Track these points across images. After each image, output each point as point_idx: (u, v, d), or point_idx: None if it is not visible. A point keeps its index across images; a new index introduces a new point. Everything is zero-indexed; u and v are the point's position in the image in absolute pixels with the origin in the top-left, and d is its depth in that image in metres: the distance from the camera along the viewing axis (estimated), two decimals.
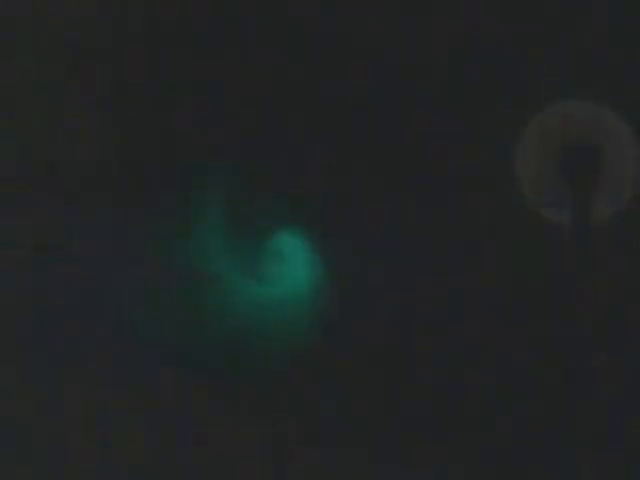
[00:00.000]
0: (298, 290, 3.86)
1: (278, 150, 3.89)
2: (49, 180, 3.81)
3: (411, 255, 3.81)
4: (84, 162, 3.86)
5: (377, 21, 3.90)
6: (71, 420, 3.69)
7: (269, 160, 3.89)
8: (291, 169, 3.88)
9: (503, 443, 3.70)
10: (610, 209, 3.78)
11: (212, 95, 3.90)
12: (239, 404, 3.77)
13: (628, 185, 3.79)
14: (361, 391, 3.77)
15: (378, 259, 3.82)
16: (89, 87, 3.86)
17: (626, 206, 3.78)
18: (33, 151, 3.85)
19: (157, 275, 3.83)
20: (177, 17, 3.89)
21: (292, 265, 3.89)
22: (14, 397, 3.68)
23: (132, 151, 3.87)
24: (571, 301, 3.74)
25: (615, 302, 3.75)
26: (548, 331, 3.75)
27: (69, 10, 3.86)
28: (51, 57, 3.87)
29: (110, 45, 3.89)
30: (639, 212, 3.79)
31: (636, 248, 3.79)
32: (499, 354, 3.75)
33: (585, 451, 3.62)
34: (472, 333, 3.76)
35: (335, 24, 3.91)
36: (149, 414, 3.74)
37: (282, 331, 3.82)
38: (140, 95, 3.89)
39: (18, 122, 3.87)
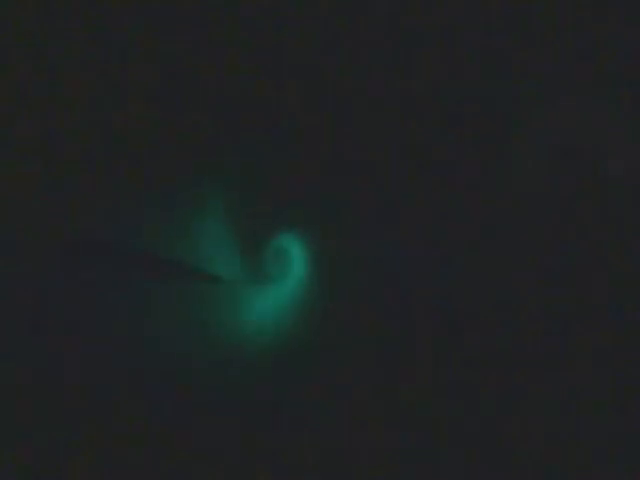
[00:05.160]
0: (298, 290, 3.87)
1: (278, 150, 3.90)
2: None
3: (410, 254, 3.82)
4: None
5: (375, 19, 3.91)
6: None
7: (269, 160, 3.90)
8: (291, 169, 3.89)
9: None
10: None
11: (215, 94, 3.91)
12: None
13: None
14: (362, 390, 3.78)
15: (379, 257, 3.83)
16: None
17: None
18: None
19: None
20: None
21: (292, 265, 3.90)
22: None
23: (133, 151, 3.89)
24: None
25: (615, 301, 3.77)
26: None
27: None
28: None
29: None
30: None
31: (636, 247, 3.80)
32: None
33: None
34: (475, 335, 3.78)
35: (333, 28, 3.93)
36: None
37: (282, 331, 3.83)
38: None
39: None
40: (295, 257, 3.91)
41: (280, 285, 3.93)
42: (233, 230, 3.89)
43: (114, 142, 3.88)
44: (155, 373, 3.76)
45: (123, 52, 3.90)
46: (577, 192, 3.82)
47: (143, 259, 3.83)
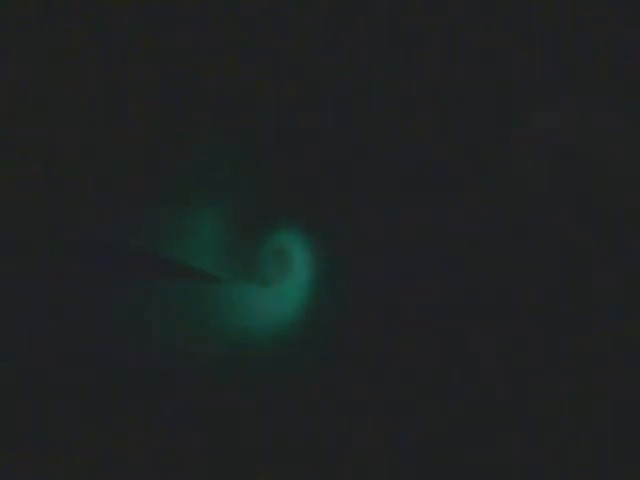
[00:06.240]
0: (298, 290, 3.87)
1: (279, 148, 3.90)
2: None
3: (411, 255, 3.82)
4: None
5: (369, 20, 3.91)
6: None
7: (269, 160, 3.90)
8: (292, 167, 3.89)
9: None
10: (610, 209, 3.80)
11: (214, 95, 3.91)
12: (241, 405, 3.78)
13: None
14: (362, 391, 3.78)
15: (378, 259, 3.83)
16: None
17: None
18: None
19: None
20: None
21: (292, 265, 3.89)
22: None
23: (132, 150, 3.89)
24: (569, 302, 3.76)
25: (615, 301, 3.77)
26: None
27: None
28: None
29: None
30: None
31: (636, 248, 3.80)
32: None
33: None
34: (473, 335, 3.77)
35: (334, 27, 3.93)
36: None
37: (281, 331, 3.82)
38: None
39: None
40: (296, 258, 3.91)
41: (280, 286, 3.93)
42: (233, 230, 3.89)
43: (114, 142, 3.88)
44: (154, 373, 3.76)
45: (123, 52, 3.90)
46: (577, 192, 3.81)
47: (143, 259, 3.83)
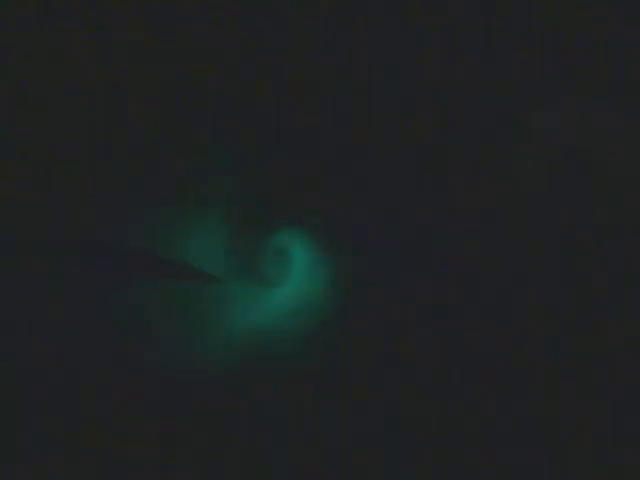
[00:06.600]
0: (298, 290, 3.87)
1: (280, 148, 3.90)
2: None
3: (412, 254, 3.82)
4: None
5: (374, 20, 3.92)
6: None
7: (270, 160, 3.90)
8: (292, 167, 3.89)
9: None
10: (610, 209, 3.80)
11: (214, 95, 3.91)
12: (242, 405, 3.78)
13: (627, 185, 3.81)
14: (362, 391, 3.78)
15: (379, 258, 3.83)
16: None
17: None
18: None
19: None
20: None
21: (294, 267, 3.90)
22: None
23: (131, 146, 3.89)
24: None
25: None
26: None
27: None
28: None
29: None
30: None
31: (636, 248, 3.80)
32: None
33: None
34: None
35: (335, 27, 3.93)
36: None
37: (284, 333, 3.83)
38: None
39: None
40: (297, 259, 3.91)
41: (281, 286, 3.92)
42: (234, 230, 3.89)
43: (114, 142, 3.88)
44: (154, 373, 3.76)
45: (123, 52, 3.90)
46: (577, 192, 3.82)
47: (143, 259, 3.83)
